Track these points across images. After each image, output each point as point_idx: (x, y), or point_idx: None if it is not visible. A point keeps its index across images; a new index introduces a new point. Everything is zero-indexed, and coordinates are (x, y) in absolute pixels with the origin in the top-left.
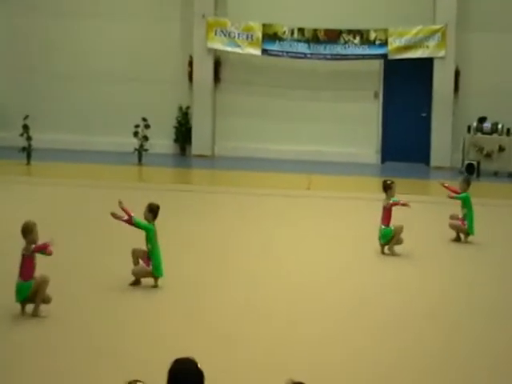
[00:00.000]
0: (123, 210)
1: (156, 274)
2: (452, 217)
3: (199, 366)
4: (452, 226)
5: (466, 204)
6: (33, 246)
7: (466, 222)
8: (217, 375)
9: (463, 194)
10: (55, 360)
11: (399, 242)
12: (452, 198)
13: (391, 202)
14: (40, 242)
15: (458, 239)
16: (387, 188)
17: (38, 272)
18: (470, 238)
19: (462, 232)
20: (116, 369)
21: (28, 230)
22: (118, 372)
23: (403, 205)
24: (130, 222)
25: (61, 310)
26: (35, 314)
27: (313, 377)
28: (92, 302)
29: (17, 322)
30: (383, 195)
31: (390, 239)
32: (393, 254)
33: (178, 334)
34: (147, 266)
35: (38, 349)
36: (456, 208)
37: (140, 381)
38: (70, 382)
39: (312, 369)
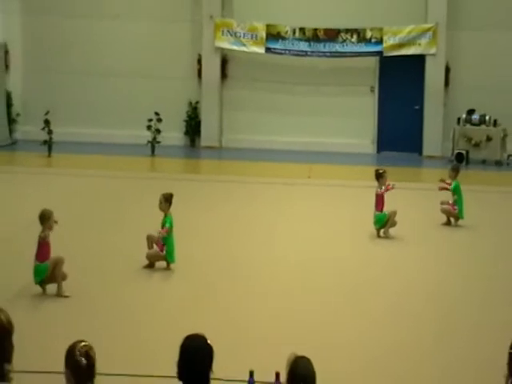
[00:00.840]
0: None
1: (169, 259)
2: (442, 202)
3: (209, 341)
4: (443, 211)
5: (456, 191)
6: (43, 234)
7: (456, 207)
8: (225, 351)
9: (453, 184)
10: (71, 338)
11: (393, 224)
12: (443, 189)
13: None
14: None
15: (448, 223)
16: (379, 176)
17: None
18: (460, 221)
19: (453, 216)
20: (130, 346)
21: (45, 218)
22: (132, 349)
23: (389, 188)
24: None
25: (78, 292)
26: (59, 293)
27: (314, 356)
28: (108, 283)
29: (37, 302)
30: (377, 182)
31: (384, 224)
32: (388, 237)
33: (188, 313)
34: (161, 251)
35: (57, 327)
36: (446, 194)
37: (82, 340)
38: None
39: (313, 350)
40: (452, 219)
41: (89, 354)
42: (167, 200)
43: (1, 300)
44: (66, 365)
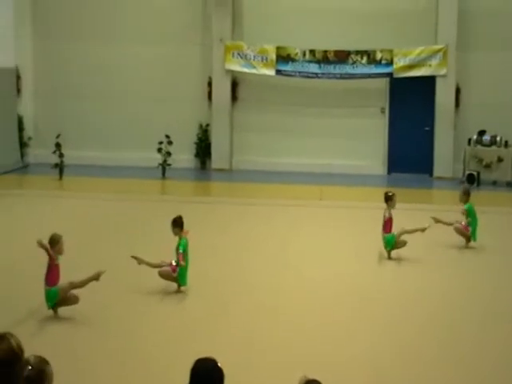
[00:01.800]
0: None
1: (181, 282)
2: (457, 221)
3: (219, 364)
4: (456, 230)
5: (470, 213)
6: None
7: (469, 228)
8: (236, 373)
9: (466, 206)
10: (81, 360)
11: (402, 244)
12: (464, 213)
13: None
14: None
15: (466, 242)
16: (388, 199)
17: (63, 280)
18: (472, 243)
19: (465, 237)
20: (140, 370)
21: (55, 241)
22: (142, 373)
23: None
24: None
25: (90, 313)
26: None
27: (323, 374)
28: (120, 305)
29: (48, 324)
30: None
31: (394, 244)
32: (397, 257)
33: (201, 335)
34: (173, 271)
35: (67, 349)
36: (458, 215)
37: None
38: (97, 381)
39: (323, 367)
40: (464, 240)
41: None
42: (177, 224)
43: (11, 322)
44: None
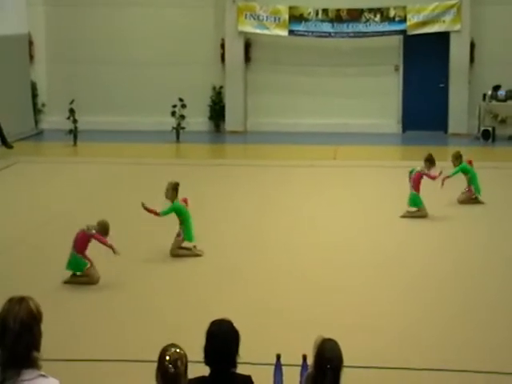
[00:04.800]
0: (147, 210)
1: (186, 238)
2: (462, 192)
3: (235, 325)
4: (462, 202)
5: (467, 171)
6: (93, 231)
7: (472, 188)
8: (252, 335)
9: (458, 167)
10: (99, 326)
11: (423, 215)
12: (448, 177)
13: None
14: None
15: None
16: (429, 161)
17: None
18: (487, 199)
19: (472, 199)
20: (156, 334)
21: (106, 230)
22: (158, 337)
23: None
24: (158, 214)
25: (104, 278)
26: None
27: (342, 336)
28: (135, 270)
29: (66, 290)
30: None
31: (417, 206)
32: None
33: (215, 298)
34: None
35: (85, 316)
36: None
37: (175, 345)
38: (114, 345)
39: (341, 328)
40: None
41: (176, 364)
42: (174, 188)
43: (29, 288)
44: (158, 366)
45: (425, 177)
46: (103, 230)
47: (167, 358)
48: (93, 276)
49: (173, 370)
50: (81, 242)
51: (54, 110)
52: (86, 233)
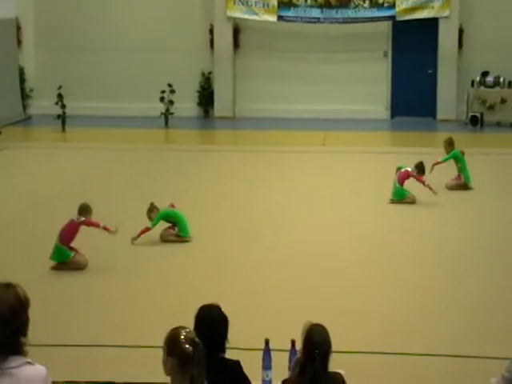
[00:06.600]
0: (139, 236)
1: (183, 235)
2: (452, 179)
3: (223, 310)
4: (451, 188)
5: (458, 159)
6: (82, 218)
7: (461, 176)
8: (240, 320)
9: (451, 153)
10: (88, 312)
11: (412, 200)
12: (439, 163)
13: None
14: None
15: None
16: (420, 169)
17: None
18: (475, 185)
19: (461, 187)
20: (147, 318)
21: (87, 211)
22: (149, 321)
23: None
24: (149, 229)
25: (96, 262)
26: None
27: (331, 321)
28: (126, 255)
29: (54, 276)
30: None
31: (401, 199)
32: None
33: (205, 283)
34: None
35: (75, 301)
36: (450, 168)
37: (184, 327)
38: (108, 330)
39: (330, 313)
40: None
41: (195, 341)
42: (151, 210)
43: (17, 275)
44: (170, 353)
45: (412, 178)
46: (85, 211)
47: (181, 337)
48: (80, 262)
49: (191, 349)
50: (67, 233)
51: (42, 95)
52: (76, 221)
